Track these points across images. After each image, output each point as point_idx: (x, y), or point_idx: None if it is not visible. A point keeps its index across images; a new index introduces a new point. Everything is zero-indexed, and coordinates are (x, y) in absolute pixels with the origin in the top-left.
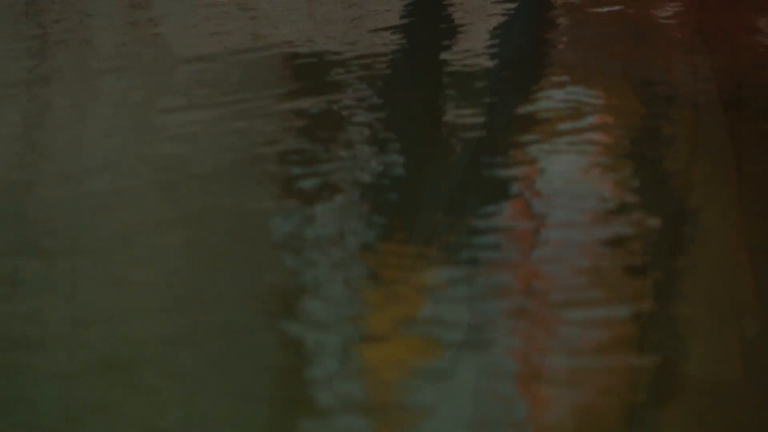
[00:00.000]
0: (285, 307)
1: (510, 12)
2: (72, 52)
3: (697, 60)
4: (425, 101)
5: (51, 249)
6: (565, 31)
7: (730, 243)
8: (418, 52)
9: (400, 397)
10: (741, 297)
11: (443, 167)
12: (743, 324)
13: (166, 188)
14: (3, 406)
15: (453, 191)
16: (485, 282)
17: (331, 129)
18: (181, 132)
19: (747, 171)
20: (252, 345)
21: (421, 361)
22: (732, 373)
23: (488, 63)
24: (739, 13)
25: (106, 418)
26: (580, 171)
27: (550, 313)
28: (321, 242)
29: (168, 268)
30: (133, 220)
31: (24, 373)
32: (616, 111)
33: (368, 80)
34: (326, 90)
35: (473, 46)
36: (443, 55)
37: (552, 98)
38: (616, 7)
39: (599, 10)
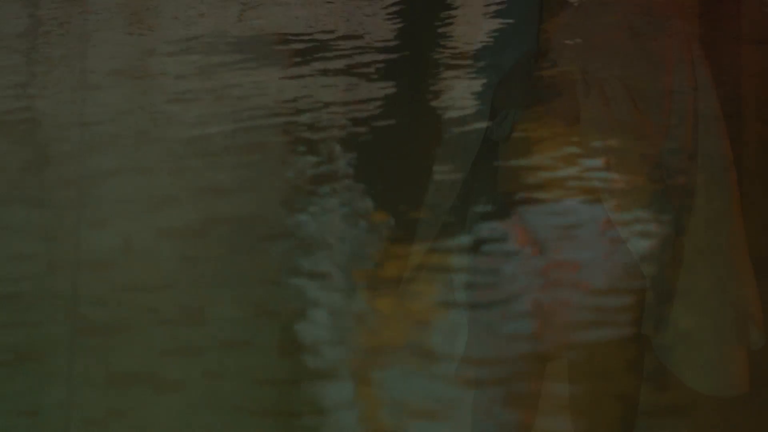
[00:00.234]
0: (285, 318)
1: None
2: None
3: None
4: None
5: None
6: None
7: (735, 255)
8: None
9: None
10: (746, 310)
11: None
12: (749, 338)
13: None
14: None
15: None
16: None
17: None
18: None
19: (750, 181)
20: (250, 358)
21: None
22: (739, 387)
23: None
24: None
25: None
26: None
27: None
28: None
29: (167, 279)
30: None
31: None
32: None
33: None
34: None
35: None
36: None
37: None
38: None
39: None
